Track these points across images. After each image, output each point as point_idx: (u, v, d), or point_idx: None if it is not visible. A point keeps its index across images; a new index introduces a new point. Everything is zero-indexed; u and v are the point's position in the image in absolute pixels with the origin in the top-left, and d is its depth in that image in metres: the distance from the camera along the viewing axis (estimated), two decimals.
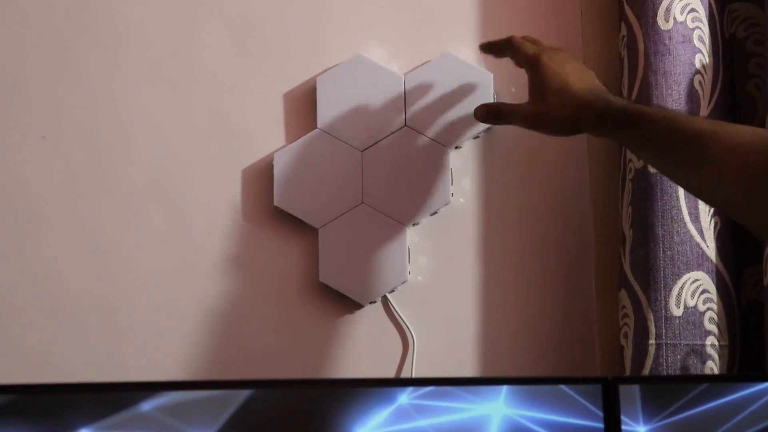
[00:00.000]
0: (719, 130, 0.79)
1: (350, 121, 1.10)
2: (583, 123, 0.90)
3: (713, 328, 1.01)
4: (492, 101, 1.08)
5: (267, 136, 1.12)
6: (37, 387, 0.78)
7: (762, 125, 1.04)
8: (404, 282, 1.09)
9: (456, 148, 1.11)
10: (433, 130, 1.10)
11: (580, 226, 1.13)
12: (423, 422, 0.81)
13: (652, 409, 0.84)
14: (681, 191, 1.01)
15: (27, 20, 1.13)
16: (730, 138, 0.77)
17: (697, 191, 0.88)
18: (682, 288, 1.00)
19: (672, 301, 1.00)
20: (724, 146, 0.77)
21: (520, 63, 0.99)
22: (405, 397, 0.81)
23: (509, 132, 1.12)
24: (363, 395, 0.81)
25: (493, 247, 1.12)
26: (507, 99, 1.12)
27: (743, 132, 0.78)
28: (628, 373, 1.03)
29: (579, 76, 0.93)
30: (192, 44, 1.13)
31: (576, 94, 0.90)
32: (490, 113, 1.02)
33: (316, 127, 1.10)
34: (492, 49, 1.03)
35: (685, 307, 1.00)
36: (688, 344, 1.00)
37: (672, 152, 0.83)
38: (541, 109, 0.93)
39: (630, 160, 1.04)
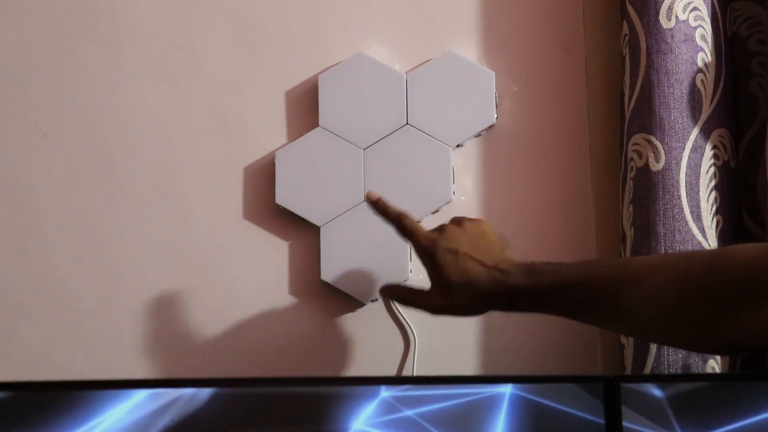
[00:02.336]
0: (621, 279, 0.79)
1: (352, 119, 1.10)
2: (490, 308, 0.89)
3: None
4: (398, 284, 1.00)
5: (269, 134, 1.12)
6: (37, 385, 0.78)
7: (764, 125, 1.04)
8: (405, 280, 1.09)
9: (457, 146, 1.11)
10: (434, 129, 1.10)
11: (581, 225, 1.13)
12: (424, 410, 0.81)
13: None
14: (683, 190, 1.01)
15: (29, 17, 1.13)
16: (635, 284, 0.78)
17: (639, 336, 0.93)
18: None
19: None
20: (631, 298, 0.78)
21: (415, 249, 0.94)
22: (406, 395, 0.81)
23: (511, 131, 1.13)
24: (363, 393, 0.81)
25: None
26: (509, 97, 1.12)
27: (645, 273, 0.78)
28: (629, 371, 1.03)
29: (476, 257, 0.88)
30: (194, 42, 1.13)
31: (477, 285, 0.87)
32: (393, 295, 0.98)
33: (317, 125, 1.10)
34: (381, 212, 0.97)
35: None
36: None
37: (587, 315, 0.84)
38: (447, 302, 0.90)
39: (631, 159, 1.04)
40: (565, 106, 1.14)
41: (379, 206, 0.97)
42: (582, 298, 0.82)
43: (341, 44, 1.13)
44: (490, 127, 1.11)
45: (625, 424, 0.84)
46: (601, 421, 0.84)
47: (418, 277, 1.10)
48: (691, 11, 1.03)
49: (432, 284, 0.91)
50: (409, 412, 0.81)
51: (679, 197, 1.01)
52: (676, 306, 0.75)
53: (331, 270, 1.09)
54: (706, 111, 1.03)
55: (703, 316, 0.74)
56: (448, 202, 1.10)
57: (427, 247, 0.91)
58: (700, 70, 1.03)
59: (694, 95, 1.02)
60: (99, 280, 1.10)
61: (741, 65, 1.07)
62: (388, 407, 0.81)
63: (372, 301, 1.10)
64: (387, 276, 1.08)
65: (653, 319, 0.78)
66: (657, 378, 0.93)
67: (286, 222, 1.11)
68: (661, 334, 0.80)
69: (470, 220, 0.94)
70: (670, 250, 1.00)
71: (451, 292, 0.89)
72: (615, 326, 0.85)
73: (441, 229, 0.93)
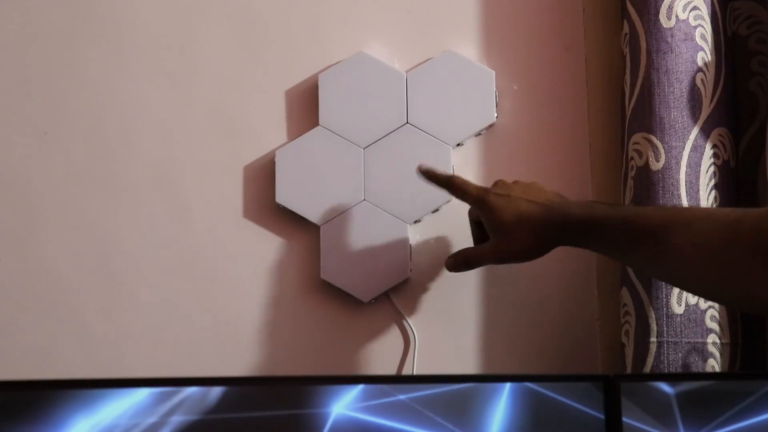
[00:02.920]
0: (674, 221, 0.80)
1: (352, 118, 1.10)
2: (547, 243, 0.92)
3: (715, 326, 1.00)
4: (458, 251, 1.01)
5: (269, 133, 1.12)
6: (37, 384, 0.78)
7: (764, 124, 1.04)
8: (406, 279, 1.09)
9: (458, 145, 1.11)
10: (434, 128, 1.10)
11: None
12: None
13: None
14: (683, 189, 1.01)
15: (29, 17, 1.13)
16: (686, 228, 0.79)
17: (669, 281, 0.92)
18: None
19: (674, 299, 1.00)
20: (681, 239, 0.78)
21: (467, 202, 0.98)
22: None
23: (511, 130, 1.13)
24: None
25: None
26: (509, 96, 1.12)
27: (698, 218, 0.79)
28: (629, 370, 1.03)
29: (528, 198, 0.92)
30: (194, 41, 1.13)
31: (531, 219, 0.91)
32: (458, 262, 1.00)
33: (317, 124, 1.10)
34: (432, 178, 1.01)
35: (687, 305, 1.00)
36: (689, 342, 1.00)
37: (634, 252, 0.84)
38: (504, 245, 0.93)
39: (632, 158, 1.04)
40: (566, 106, 1.14)
41: (429, 174, 1.01)
42: (633, 235, 0.83)
43: (341, 43, 1.13)
44: (491, 126, 1.11)
45: (625, 422, 0.84)
46: (602, 420, 0.84)
47: (418, 275, 1.11)
48: (691, 10, 1.03)
49: (490, 235, 0.95)
50: (403, 397, 0.81)
51: (679, 196, 1.01)
52: (722, 253, 0.75)
53: (331, 269, 1.09)
54: (706, 110, 1.03)
55: (745, 267, 0.73)
56: (448, 201, 1.10)
57: (479, 196, 0.95)
58: (700, 70, 1.03)
59: (694, 94, 1.02)
60: (98, 279, 1.10)
61: (741, 64, 1.07)
62: (384, 393, 0.81)
63: (372, 300, 1.10)
64: (387, 275, 1.08)
65: (697, 262, 0.77)
66: (657, 377, 0.93)
67: (286, 221, 1.11)
68: (701, 279, 0.79)
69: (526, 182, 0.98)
70: None
71: (506, 233, 0.92)
72: (657, 266, 0.84)
73: (494, 183, 0.98)
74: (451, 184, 0.99)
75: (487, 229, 0.95)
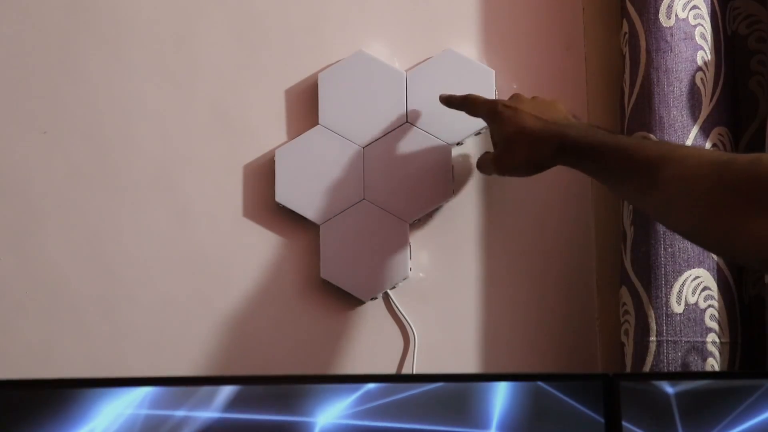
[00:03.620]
0: (669, 156, 0.80)
1: (352, 117, 1.10)
2: (543, 160, 0.93)
3: (714, 325, 1.01)
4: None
5: (268, 132, 1.12)
6: (37, 383, 0.78)
7: (764, 123, 1.04)
8: (405, 278, 1.09)
9: (457, 144, 1.11)
10: (434, 127, 1.10)
11: (581, 223, 1.13)
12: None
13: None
14: None
15: (29, 15, 1.13)
16: (679, 163, 0.79)
17: (652, 215, 0.92)
18: (683, 285, 1.00)
19: (673, 298, 1.00)
20: (672, 172, 0.79)
21: (479, 115, 1.02)
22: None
23: None
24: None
25: (494, 243, 1.12)
26: (509, 95, 1.12)
27: (692, 156, 0.80)
28: (628, 370, 1.03)
29: (534, 113, 0.94)
30: (194, 40, 1.13)
31: (531, 133, 0.93)
32: (480, 163, 1.06)
33: (317, 123, 1.10)
34: (451, 102, 1.06)
35: (686, 304, 1.00)
36: (689, 341, 1.00)
37: (627, 180, 0.85)
38: (505, 155, 0.97)
39: None
40: (565, 105, 1.13)
41: (447, 101, 1.06)
42: (628, 164, 0.83)
43: (341, 42, 1.13)
44: None
45: (624, 422, 0.84)
46: (601, 420, 0.84)
47: (418, 274, 1.11)
48: (690, 9, 1.03)
49: (493, 144, 0.98)
50: (402, 396, 0.81)
51: None
52: (708, 191, 0.75)
53: (330, 268, 1.09)
54: (705, 109, 1.03)
55: (727, 207, 0.73)
56: (448, 200, 1.10)
57: (490, 106, 0.99)
58: (699, 69, 1.03)
59: (694, 93, 1.02)
60: (98, 278, 1.10)
61: (741, 63, 1.07)
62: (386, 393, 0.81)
63: (372, 299, 1.10)
64: (386, 274, 1.08)
65: (682, 197, 0.78)
66: (656, 376, 0.93)
67: (286, 220, 1.11)
68: (683, 215, 0.79)
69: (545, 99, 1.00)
70: (669, 249, 1.00)
71: (507, 145, 0.95)
72: (645, 199, 0.84)
73: (511, 96, 1.02)
74: (466, 101, 1.03)
75: (493, 141, 0.98)
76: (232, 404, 0.79)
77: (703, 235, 0.79)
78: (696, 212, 0.76)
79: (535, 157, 0.93)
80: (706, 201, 0.75)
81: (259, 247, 1.11)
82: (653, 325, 1.00)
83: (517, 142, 0.94)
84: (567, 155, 0.91)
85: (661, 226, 1.01)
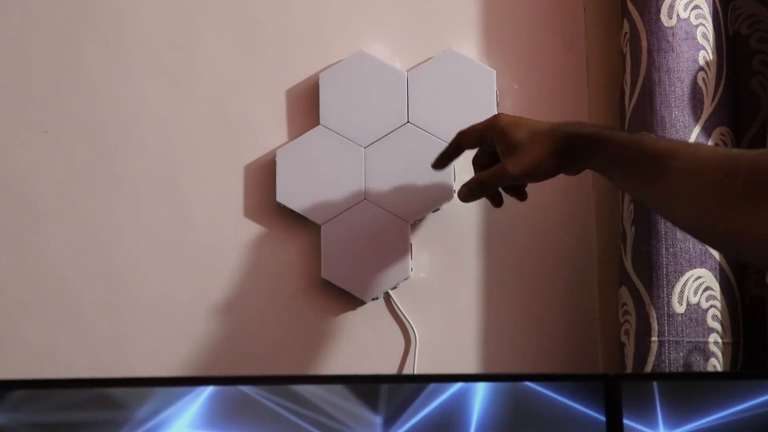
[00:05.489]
0: (678, 149, 0.80)
1: (353, 117, 1.10)
2: (557, 158, 0.91)
3: (716, 325, 1.00)
4: (471, 177, 1.00)
5: (269, 133, 1.12)
6: (38, 382, 0.78)
7: (765, 123, 1.04)
8: (406, 278, 1.09)
9: None
10: (435, 127, 1.10)
11: (582, 223, 1.13)
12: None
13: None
14: None
15: (30, 15, 1.13)
16: (689, 157, 0.79)
17: (659, 209, 0.90)
18: (684, 285, 1.00)
19: (675, 298, 1.00)
20: (681, 165, 0.78)
21: (482, 139, 0.97)
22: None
23: None
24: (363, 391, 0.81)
25: (495, 243, 1.12)
26: (510, 96, 1.12)
27: (701, 149, 0.80)
28: (629, 370, 1.03)
29: (537, 120, 0.94)
30: (195, 40, 1.13)
31: (543, 133, 0.92)
32: (472, 188, 0.98)
33: (318, 124, 1.10)
34: (445, 158, 1.02)
35: (688, 304, 1.00)
36: (691, 341, 1.00)
37: (636, 173, 0.84)
38: (520, 159, 0.93)
39: None
40: (566, 105, 1.14)
41: (440, 161, 1.02)
42: (636, 155, 0.83)
43: (342, 42, 1.13)
44: None
45: (625, 422, 0.83)
46: (602, 420, 0.84)
47: (419, 274, 1.10)
48: (692, 9, 1.03)
49: (502, 157, 0.95)
50: (400, 395, 0.81)
51: None
52: (716, 184, 0.74)
53: (331, 268, 1.09)
54: (707, 109, 1.03)
55: (735, 201, 0.73)
56: (449, 200, 1.09)
57: (489, 122, 0.96)
58: (701, 69, 1.03)
59: (696, 93, 1.02)
60: (99, 278, 1.10)
61: (742, 63, 1.07)
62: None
63: (373, 299, 1.09)
64: (387, 274, 1.08)
65: (690, 190, 0.77)
66: (658, 377, 0.93)
67: (287, 220, 1.11)
68: (690, 208, 0.79)
69: None
70: (671, 249, 1.00)
71: (520, 149, 0.93)
72: (653, 192, 0.84)
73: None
74: (459, 137, 0.99)
75: (500, 152, 0.95)
76: (231, 403, 0.79)
77: (709, 230, 0.78)
78: (703, 205, 0.76)
79: (551, 155, 0.92)
80: (715, 194, 0.74)
81: (260, 248, 1.11)
82: (655, 325, 1.00)
83: (531, 145, 0.92)
84: (578, 151, 0.90)
85: (662, 226, 1.01)
